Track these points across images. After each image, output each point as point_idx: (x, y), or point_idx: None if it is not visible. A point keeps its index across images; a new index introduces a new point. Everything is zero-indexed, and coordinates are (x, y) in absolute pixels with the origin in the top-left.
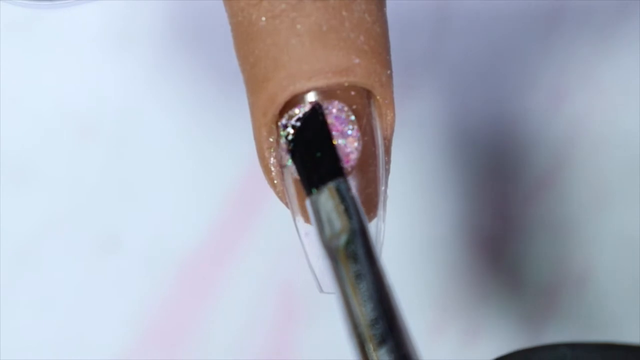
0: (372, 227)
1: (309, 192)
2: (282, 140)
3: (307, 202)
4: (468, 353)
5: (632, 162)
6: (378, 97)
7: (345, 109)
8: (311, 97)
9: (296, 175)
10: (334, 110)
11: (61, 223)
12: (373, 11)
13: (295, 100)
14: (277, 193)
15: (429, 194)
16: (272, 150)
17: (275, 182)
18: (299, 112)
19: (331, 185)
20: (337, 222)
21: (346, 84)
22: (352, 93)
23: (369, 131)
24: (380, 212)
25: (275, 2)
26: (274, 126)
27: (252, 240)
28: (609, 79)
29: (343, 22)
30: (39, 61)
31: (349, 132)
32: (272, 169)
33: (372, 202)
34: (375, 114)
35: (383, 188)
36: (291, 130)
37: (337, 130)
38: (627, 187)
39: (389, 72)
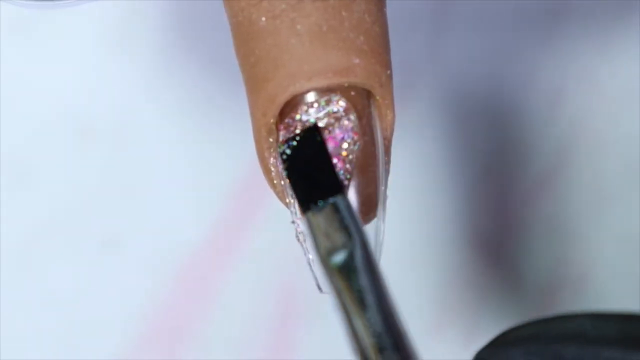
0: (371, 227)
1: (306, 209)
2: (278, 158)
3: (305, 219)
4: (468, 353)
5: (632, 162)
6: (378, 97)
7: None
8: (311, 96)
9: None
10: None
11: (61, 223)
12: (372, 11)
13: (296, 100)
14: (277, 193)
15: (428, 193)
16: (272, 150)
17: (275, 182)
18: (296, 129)
19: (333, 200)
20: (338, 237)
21: (346, 84)
22: (352, 93)
23: (368, 131)
24: (379, 212)
25: (276, 2)
26: (274, 126)
27: (252, 241)
28: (609, 79)
29: (343, 22)
30: (38, 61)
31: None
32: (272, 169)
33: (371, 202)
34: (375, 114)
35: (383, 188)
36: (287, 150)
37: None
38: (627, 187)
39: (388, 72)
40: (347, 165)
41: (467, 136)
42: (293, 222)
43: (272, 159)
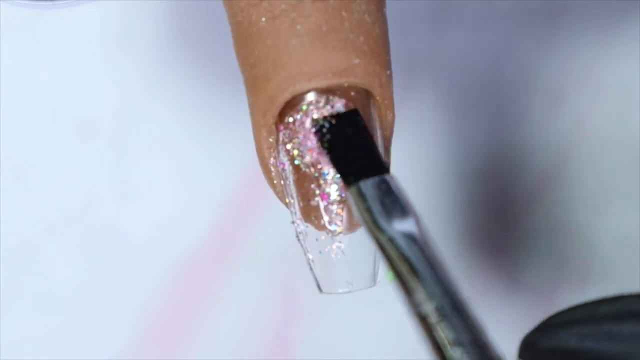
0: None
1: (352, 182)
2: (313, 131)
3: (354, 191)
4: None
5: (632, 162)
6: (378, 98)
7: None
8: (311, 96)
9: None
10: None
11: (61, 223)
12: (373, 12)
13: (295, 100)
14: (277, 193)
15: (428, 193)
16: (272, 150)
17: (275, 182)
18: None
19: (379, 179)
20: (400, 209)
21: (346, 85)
22: (352, 93)
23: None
24: None
25: (275, 3)
26: (274, 127)
27: (252, 241)
28: (609, 79)
29: (343, 23)
30: (38, 61)
31: None
32: (272, 169)
33: None
34: (374, 114)
35: None
36: (326, 124)
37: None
38: (627, 187)
39: (388, 72)
40: None
41: (467, 136)
42: (293, 222)
43: (272, 159)
